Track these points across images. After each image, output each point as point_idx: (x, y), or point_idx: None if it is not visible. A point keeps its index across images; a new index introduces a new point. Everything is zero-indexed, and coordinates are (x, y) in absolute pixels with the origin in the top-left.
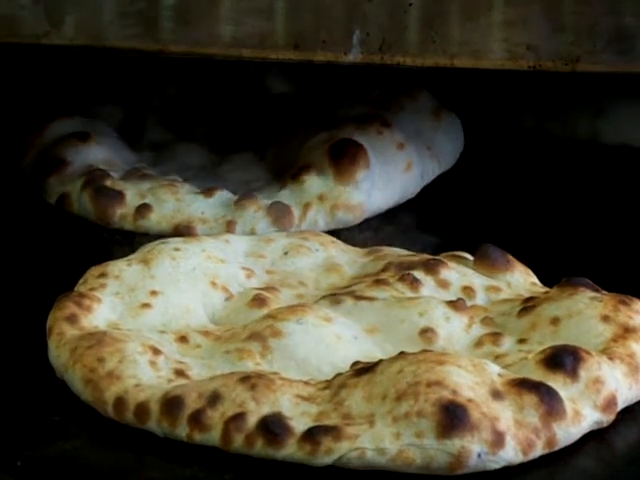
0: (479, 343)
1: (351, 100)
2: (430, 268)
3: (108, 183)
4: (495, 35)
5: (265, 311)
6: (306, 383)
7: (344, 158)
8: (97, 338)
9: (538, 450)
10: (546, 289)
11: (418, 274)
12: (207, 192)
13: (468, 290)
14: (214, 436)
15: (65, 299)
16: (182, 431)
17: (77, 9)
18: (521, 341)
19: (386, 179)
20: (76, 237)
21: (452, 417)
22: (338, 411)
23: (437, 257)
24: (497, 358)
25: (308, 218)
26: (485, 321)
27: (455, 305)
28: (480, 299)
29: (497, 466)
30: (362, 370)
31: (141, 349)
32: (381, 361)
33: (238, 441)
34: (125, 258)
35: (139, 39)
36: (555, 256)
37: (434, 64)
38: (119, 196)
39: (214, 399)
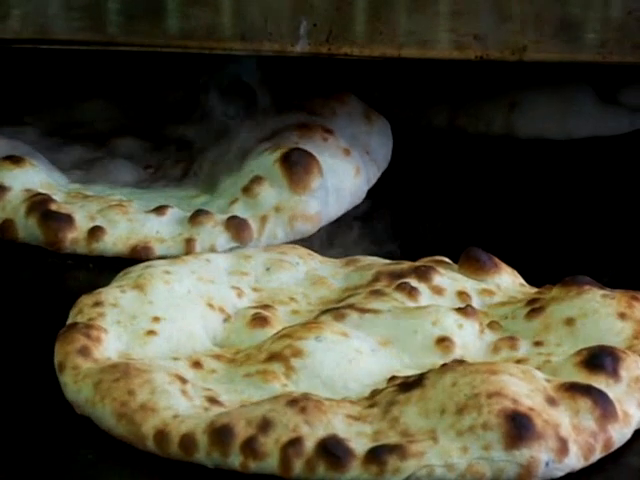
0: (496, 349)
1: (278, 107)
2: (422, 275)
3: (54, 207)
4: (442, 25)
5: (269, 330)
6: (352, 402)
7: (298, 167)
8: (121, 370)
9: (597, 454)
10: (534, 289)
11: (412, 282)
12: (158, 210)
13: (463, 295)
14: (271, 463)
15: (72, 331)
16: (235, 460)
17: (23, 2)
18: (537, 344)
19: (338, 186)
20: (25, 265)
21: (518, 427)
22: (395, 429)
23: (426, 263)
24: (518, 363)
25: (267, 230)
26: (492, 326)
27: (465, 312)
28: (475, 303)
29: (562, 473)
30: (406, 385)
31: (169, 378)
32: (425, 375)
33: (298, 467)
34: (115, 285)
35: (85, 32)
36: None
37: (381, 55)
38: (68, 220)
39: (265, 425)
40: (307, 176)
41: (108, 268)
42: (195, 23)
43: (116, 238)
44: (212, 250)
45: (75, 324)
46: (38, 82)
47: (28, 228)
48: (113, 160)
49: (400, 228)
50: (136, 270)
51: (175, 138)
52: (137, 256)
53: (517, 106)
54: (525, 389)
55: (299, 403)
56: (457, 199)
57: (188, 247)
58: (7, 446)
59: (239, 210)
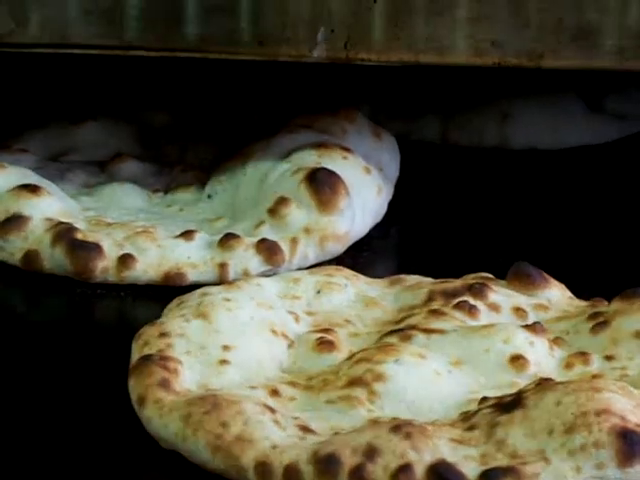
0: (568, 365)
1: (279, 126)
2: (477, 293)
3: (80, 236)
4: (460, 31)
5: (336, 354)
6: (451, 426)
7: (325, 187)
8: (211, 402)
9: None
10: (584, 302)
11: (470, 300)
12: (186, 235)
13: (520, 311)
14: None
15: (148, 364)
16: None
17: (41, 7)
18: (608, 358)
19: (363, 205)
20: (55, 296)
21: (630, 444)
22: (503, 451)
23: (479, 280)
24: (594, 378)
25: (298, 252)
26: (557, 342)
27: (534, 329)
28: (531, 319)
29: None
30: (504, 406)
31: (259, 409)
32: (523, 395)
33: None
34: (177, 314)
35: (104, 37)
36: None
37: (399, 61)
38: (97, 248)
39: (371, 452)
40: (335, 196)
41: (140, 296)
42: (213, 29)
43: (147, 265)
44: (245, 274)
45: (149, 356)
46: (22, 106)
47: (55, 258)
48: (121, 185)
49: (413, 245)
50: (193, 298)
51: (177, 160)
52: (170, 283)
53: (509, 117)
54: (629, 405)
55: (403, 429)
56: (463, 213)
57: (222, 272)
58: None
59: (267, 232)
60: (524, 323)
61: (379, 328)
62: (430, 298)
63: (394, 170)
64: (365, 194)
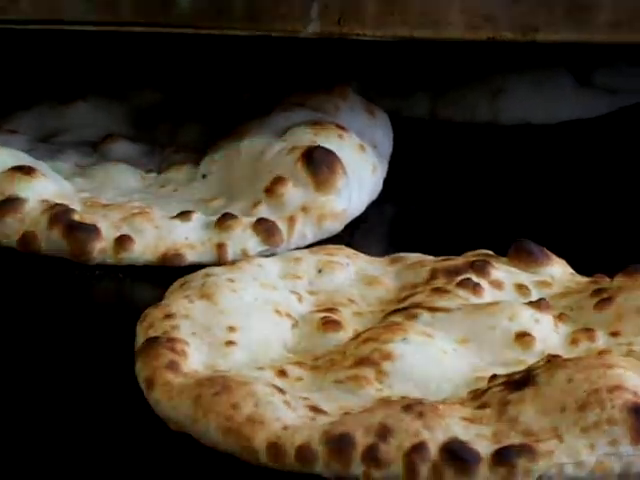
0: (574, 341)
1: (271, 104)
2: (479, 270)
3: (77, 217)
4: (454, 6)
5: (342, 333)
6: (461, 404)
7: (322, 166)
8: (220, 383)
9: None
10: (586, 279)
11: (472, 278)
12: (183, 216)
13: (523, 288)
14: (395, 471)
15: (156, 346)
16: (357, 470)
17: None
18: (614, 334)
19: (359, 183)
20: (53, 278)
21: None
22: (516, 429)
23: (481, 258)
24: (600, 354)
25: (296, 232)
26: (561, 318)
27: (539, 305)
28: (534, 296)
29: None
30: (514, 384)
31: (269, 390)
32: (533, 372)
33: (424, 473)
34: (181, 295)
35: (97, 14)
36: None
37: (393, 36)
38: (94, 230)
39: (384, 432)
40: (332, 175)
41: (139, 277)
42: (206, 4)
43: (144, 246)
44: (244, 254)
45: (156, 338)
46: (9, 86)
47: (52, 240)
48: (114, 166)
49: (408, 222)
50: (196, 279)
51: (169, 140)
52: (168, 264)
53: (501, 92)
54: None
55: (415, 408)
56: (457, 189)
57: (220, 252)
58: (109, 468)
59: (264, 212)
60: (527, 300)
61: (382, 307)
62: (432, 276)
63: (387, 147)
64: (360, 172)
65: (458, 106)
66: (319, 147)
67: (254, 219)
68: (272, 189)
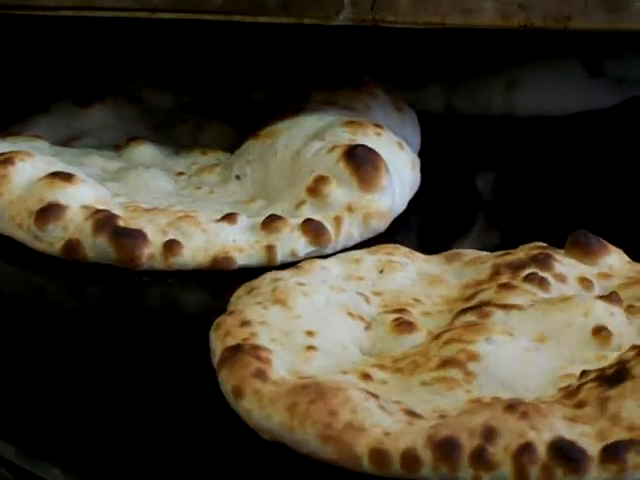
0: None
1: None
2: (543, 264)
3: (122, 223)
4: None
5: (417, 334)
6: (560, 404)
7: (366, 164)
8: (315, 391)
9: None
10: None
11: (538, 272)
12: (228, 219)
13: (585, 281)
14: (504, 473)
15: (241, 355)
16: (465, 474)
17: None
18: None
19: (400, 181)
20: (102, 285)
21: None
22: (620, 425)
23: (542, 251)
24: None
25: (343, 232)
26: (630, 310)
27: (611, 299)
28: (597, 288)
29: None
30: (609, 379)
31: (363, 395)
32: (627, 365)
33: (534, 474)
34: (252, 302)
35: (131, 4)
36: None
37: (425, 23)
38: (141, 235)
39: (489, 434)
40: (376, 173)
41: (189, 282)
42: None
43: (194, 251)
44: (292, 256)
45: (240, 346)
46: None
47: (98, 247)
48: (146, 169)
49: (437, 217)
50: (264, 284)
51: (191, 141)
52: (218, 267)
53: (515, 84)
54: None
55: (518, 408)
56: (478, 182)
57: (269, 254)
58: None
59: (308, 212)
60: (591, 293)
61: (449, 306)
62: (496, 272)
63: (417, 144)
64: (400, 169)
65: (472, 98)
66: (360, 145)
67: (301, 220)
68: (315, 189)
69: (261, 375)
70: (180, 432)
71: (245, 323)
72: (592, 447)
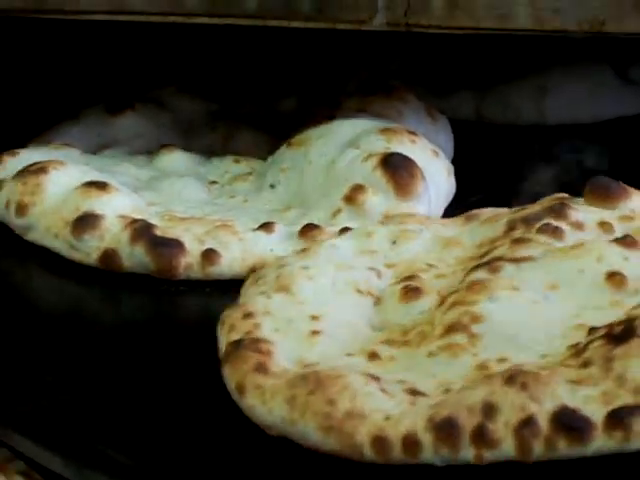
0: None
1: (329, 110)
2: (558, 213)
3: (159, 233)
4: None
5: (425, 299)
6: (563, 364)
7: (402, 172)
8: (313, 381)
9: None
10: None
11: (552, 222)
12: (265, 228)
13: (606, 225)
14: (506, 449)
15: (240, 349)
16: (467, 453)
17: None
18: None
19: (436, 189)
20: (140, 295)
21: None
22: (625, 387)
23: (557, 201)
24: None
25: None
26: None
27: (625, 242)
28: (619, 231)
29: None
30: (617, 337)
31: (363, 379)
32: (634, 323)
33: (538, 447)
34: (257, 292)
35: (163, 4)
36: None
37: (459, 28)
38: (179, 245)
39: (489, 410)
40: (413, 180)
41: (226, 291)
42: None
43: (232, 260)
44: None
45: (239, 341)
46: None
47: (135, 257)
48: (180, 178)
49: None
50: (270, 272)
51: (222, 148)
52: None
53: (547, 91)
54: None
55: (517, 379)
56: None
57: None
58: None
59: (345, 221)
60: (613, 237)
61: (463, 265)
62: (511, 227)
63: (450, 151)
64: (436, 177)
65: (503, 105)
66: (396, 153)
67: (337, 228)
68: (352, 197)
69: (262, 369)
70: (201, 435)
71: (248, 315)
72: (597, 412)
